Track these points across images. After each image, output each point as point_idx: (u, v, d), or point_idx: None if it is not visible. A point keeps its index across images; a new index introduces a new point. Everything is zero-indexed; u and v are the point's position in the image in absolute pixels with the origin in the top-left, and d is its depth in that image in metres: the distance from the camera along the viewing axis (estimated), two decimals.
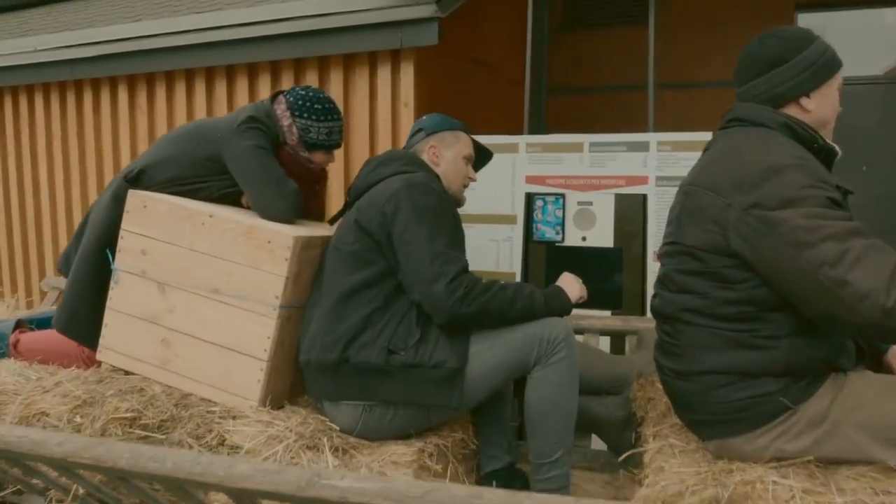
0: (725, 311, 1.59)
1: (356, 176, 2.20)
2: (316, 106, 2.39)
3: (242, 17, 3.48)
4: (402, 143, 3.34)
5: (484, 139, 3.36)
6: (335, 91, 3.53)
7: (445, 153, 2.16)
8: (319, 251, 2.16)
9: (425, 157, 2.15)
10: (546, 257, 3.22)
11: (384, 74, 3.34)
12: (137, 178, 2.37)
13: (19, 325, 2.53)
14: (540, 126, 3.62)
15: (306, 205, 2.40)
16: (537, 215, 3.21)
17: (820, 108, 1.71)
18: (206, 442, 2.03)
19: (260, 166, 2.26)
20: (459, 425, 2.22)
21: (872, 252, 1.41)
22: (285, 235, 2.08)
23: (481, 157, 2.34)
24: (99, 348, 2.31)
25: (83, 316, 2.33)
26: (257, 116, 2.35)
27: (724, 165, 1.59)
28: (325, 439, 1.91)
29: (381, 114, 3.40)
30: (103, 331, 2.29)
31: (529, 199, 3.23)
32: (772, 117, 1.69)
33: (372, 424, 1.91)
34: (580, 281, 2.08)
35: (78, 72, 4.11)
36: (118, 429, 2.02)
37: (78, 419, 2.06)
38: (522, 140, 3.28)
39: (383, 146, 3.42)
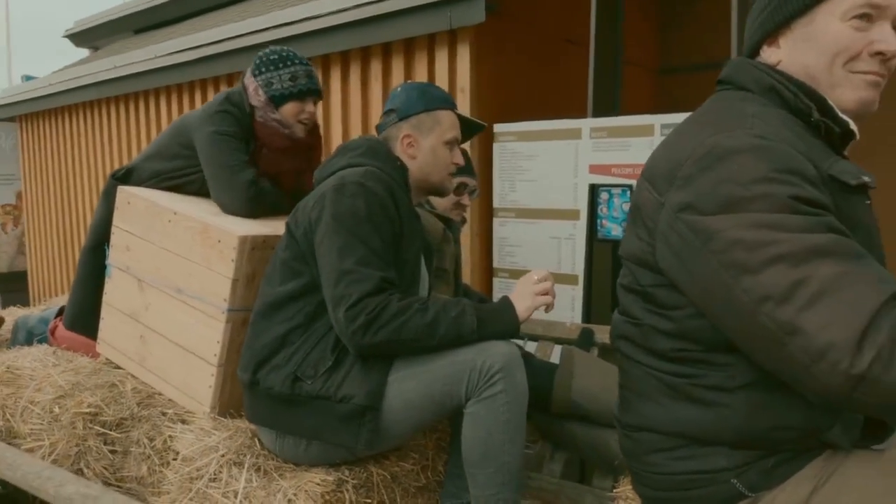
0: (661, 346, 1.31)
1: None
2: (272, 56, 2.30)
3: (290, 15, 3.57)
4: None
5: (541, 123, 3.17)
6: (397, 80, 3.50)
7: (423, 143, 1.95)
8: None
9: (399, 149, 1.95)
10: (612, 258, 3.05)
11: (441, 59, 3.28)
12: (126, 176, 2.43)
13: (61, 312, 2.69)
14: (614, 106, 3.20)
15: (304, 181, 2.32)
16: (602, 210, 3.03)
17: (797, 55, 1.28)
18: (155, 445, 2.01)
19: (215, 155, 2.22)
20: (418, 451, 2.00)
21: (845, 285, 1.05)
22: (232, 234, 2.02)
23: (470, 129, 2.12)
24: (98, 340, 2.37)
25: (87, 310, 2.44)
26: (230, 98, 2.31)
27: (670, 147, 1.31)
28: (248, 457, 1.77)
29: None
30: (101, 324, 2.37)
31: (593, 191, 3.05)
32: (757, 77, 1.31)
33: (288, 452, 1.81)
34: (548, 281, 1.77)
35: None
36: (80, 423, 2.06)
37: (56, 409, 2.13)
38: (586, 124, 3.06)
39: None
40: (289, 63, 2.31)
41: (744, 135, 1.18)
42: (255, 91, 2.32)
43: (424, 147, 1.96)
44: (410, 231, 1.83)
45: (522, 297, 1.75)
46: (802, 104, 1.26)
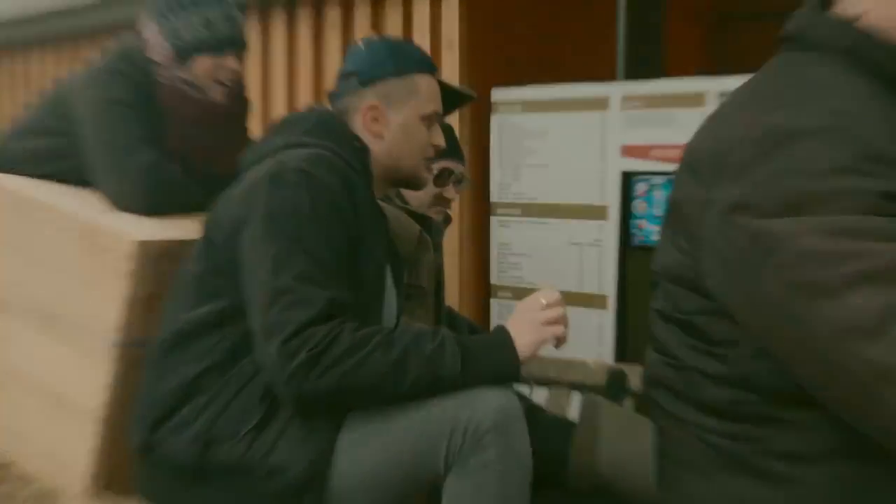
0: (710, 397, 1.35)
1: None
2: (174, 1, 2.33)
3: None
4: None
5: (555, 88, 3.19)
6: (361, 33, 3.50)
7: (393, 118, 1.98)
8: None
9: (359, 125, 1.97)
10: (652, 273, 2.92)
11: (421, 4, 3.32)
12: None
13: None
14: (655, 66, 3.31)
15: (224, 164, 2.35)
16: (639, 207, 3.04)
17: (890, 4, 1.30)
18: None
19: (102, 129, 2.24)
20: None
21: None
22: (125, 239, 2.03)
23: (455, 100, 2.18)
24: None
25: None
26: (124, 53, 2.33)
27: (718, 125, 1.37)
28: None
29: None
30: None
31: (627, 181, 3.05)
32: (833, 33, 1.34)
33: None
34: (560, 305, 1.79)
35: None
36: None
37: None
38: (615, 90, 3.08)
39: None
40: (201, 4, 2.32)
41: (815, 111, 1.22)
42: (156, 43, 2.33)
43: (394, 123, 1.98)
44: (372, 236, 1.85)
45: (525, 327, 1.75)
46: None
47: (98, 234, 2.06)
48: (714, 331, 1.30)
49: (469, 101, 2.16)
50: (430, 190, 2.47)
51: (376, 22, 3.49)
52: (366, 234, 1.82)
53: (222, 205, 1.86)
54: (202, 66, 2.33)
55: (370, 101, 1.95)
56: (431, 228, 2.51)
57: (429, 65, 2.05)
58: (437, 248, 2.58)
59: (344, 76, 2.02)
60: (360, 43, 2.06)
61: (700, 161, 1.32)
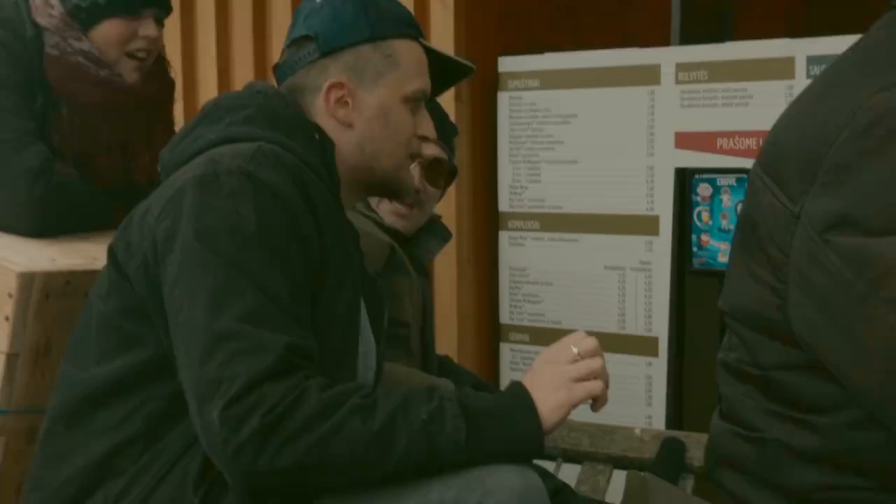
0: (799, 480, 1.40)
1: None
2: None
3: None
4: None
5: (586, 55, 3.21)
6: None
7: (366, 99, 1.99)
8: None
9: (319, 110, 1.98)
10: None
11: None
12: None
13: None
14: (722, 26, 3.25)
15: (139, 166, 2.38)
16: (702, 216, 3.06)
17: None
18: None
19: None
20: None
21: None
22: (7, 269, 2.05)
23: (447, 74, 2.17)
24: None
25: None
26: None
27: (808, 112, 1.47)
28: None
29: None
30: None
31: (684, 181, 3.09)
32: None
33: None
34: (597, 356, 1.78)
35: None
36: None
37: None
38: (667, 57, 3.14)
39: None
40: None
41: None
42: (43, 1, 2.34)
43: (368, 106, 1.99)
44: (341, 259, 1.85)
45: (550, 383, 1.76)
46: None
47: None
48: (803, 391, 1.37)
49: (467, 75, 2.19)
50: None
51: None
52: (332, 258, 1.82)
53: (136, 222, 1.86)
54: (109, 32, 2.35)
55: (335, 77, 1.96)
56: (417, 244, 2.53)
57: (413, 26, 2.06)
58: (423, 270, 2.60)
59: (295, 42, 2.01)
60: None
61: (784, 161, 1.39)
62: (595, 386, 1.75)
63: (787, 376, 1.39)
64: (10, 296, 2.03)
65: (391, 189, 2.07)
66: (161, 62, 2.48)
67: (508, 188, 3.32)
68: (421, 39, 2.05)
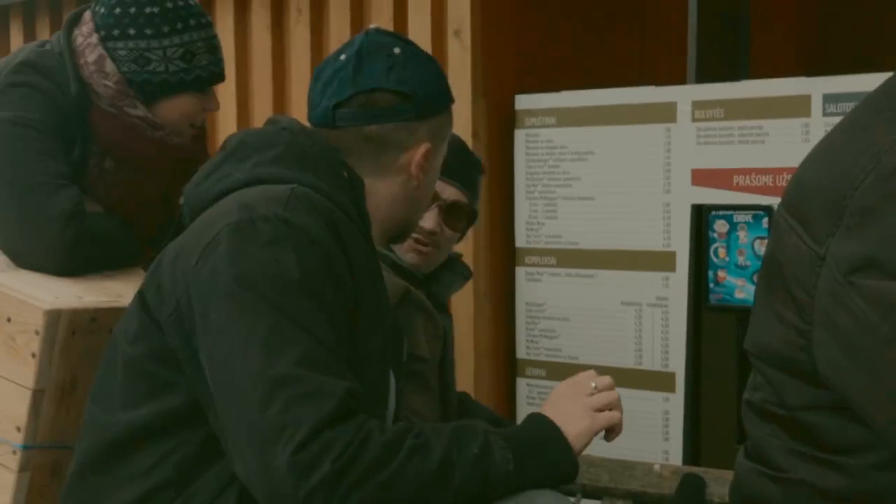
0: None
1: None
2: (148, 9, 2.35)
3: None
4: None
5: (603, 93, 3.23)
6: (339, 19, 3.55)
7: (434, 163, 2.06)
8: None
9: (398, 167, 2.01)
10: (738, 343, 2.90)
11: None
12: None
13: None
14: (738, 64, 3.25)
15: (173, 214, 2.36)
16: (719, 253, 3.06)
17: None
18: None
19: (4, 160, 2.28)
20: None
21: None
22: (33, 306, 2.05)
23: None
24: None
25: None
26: (38, 59, 2.36)
27: (833, 153, 1.47)
28: None
29: None
30: None
31: (701, 218, 3.09)
32: None
33: None
34: (612, 390, 1.88)
35: None
36: None
37: None
38: (684, 95, 3.15)
39: None
40: (179, 25, 2.36)
41: None
42: (97, 64, 2.36)
43: (433, 168, 2.06)
44: (374, 300, 1.86)
45: (571, 412, 1.82)
46: None
47: None
48: (829, 432, 1.36)
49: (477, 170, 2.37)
50: (431, 217, 2.47)
51: (358, 9, 3.54)
52: (365, 298, 1.83)
53: (167, 263, 1.85)
54: (178, 108, 2.40)
55: (424, 140, 1.99)
56: (437, 281, 2.54)
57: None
58: (443, 308, 2.60)
59: (376, 91, 1.97)
60: (393, 46, 2.00)
61: (809, 203, 1.38)
62: (614, 416, 1.85)
63: (813, 417, 1.38)
64: (36, 333, 2.03)
65: (402, 237, 2.14)
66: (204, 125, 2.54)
67: (525, 224, 3.32)
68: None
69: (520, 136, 3.32)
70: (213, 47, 2.44)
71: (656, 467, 2.63)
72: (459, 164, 2.56)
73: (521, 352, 3.35)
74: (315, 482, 1.59)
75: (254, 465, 1.66)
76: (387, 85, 1.97)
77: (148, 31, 2.34)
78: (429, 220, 2.49)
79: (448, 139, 2.10)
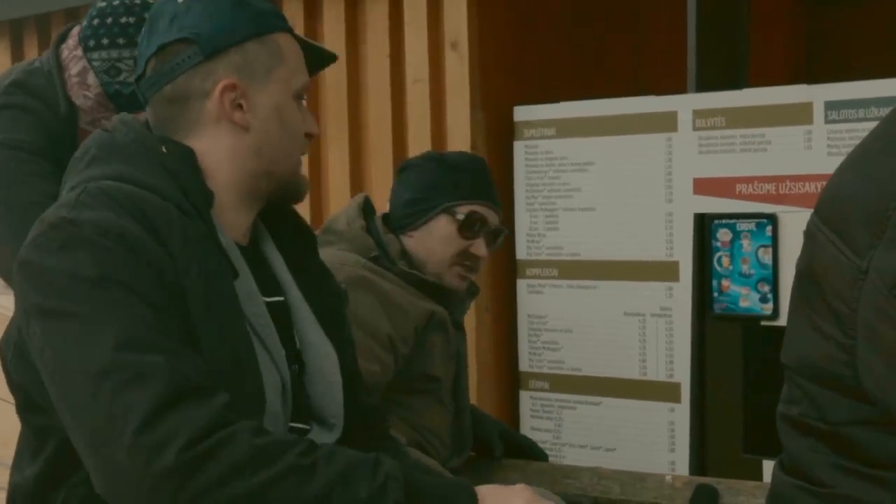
0: None
1: None
2: (123, 19, 2.33)
3: None
4: (449, 112, 3.42)
5: (603, 104, 3.21)
6: (334, 30, 3.55)
7: (259, 99, 1.87)
8: None
9: (210, 116, 1.87)
10: (744, 352, 3.06)
11: None
12: None
13: None
14: (738, 72, 3.34)
15: None
16: (722, 261, 3.07)
17: None
18: None
19: None
20: None
21: None
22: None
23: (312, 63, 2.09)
24: None
25: None
26: (23, 81, 2.37)
27: (871, 163, 1.44)
28: None
29: (413, 63, 3.45)
30: None
31: (704, 227, 3.10)
32: None
33: None
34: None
35: None
36: None
37: None
38: (685, 104, 3.14)
39: (416, 120, 3.48)
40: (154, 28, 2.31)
41: None
42: (80, 77, 2.35)
43: (263, 106, 1.88)
44: (201, 277, 1.74)
45: (502, 497, 1.71)
46: None
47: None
48: (875, 447, 1.35)
49: (330, 62, 2.11)
50: (454, 244, 2.50)
51: (351, 10, 3.54)
52: (188, 278, 1.72)
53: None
54: None
55: (225, 77, 1.84)
56: (451, 301, 2.52)
57: (283, 18, 1.97)
58: (459, 326, 2.59)
59: (165, 49, 1.86)
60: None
61: (848, 214, 1.36)
62: None
63: (857, 431, 1.37)
64: None
65: (289, 193, 1.95)
66: None
67: (526, 236, 3.30)
68: (293, 32, 1.98)
69: (519, 147, 3.32)
70: None
71: (668, 478, 2.62)
72: (487, 184, 2.63)
73: (524, 364, 3.34)
74: (159, 470, 1.52)
75: (95, 465, 1.60)
76: (169, 37, 1.85)
77: (120, 41, 2.32)
78: (481, 248, 2.56)
79: (280, 69, 1.91)
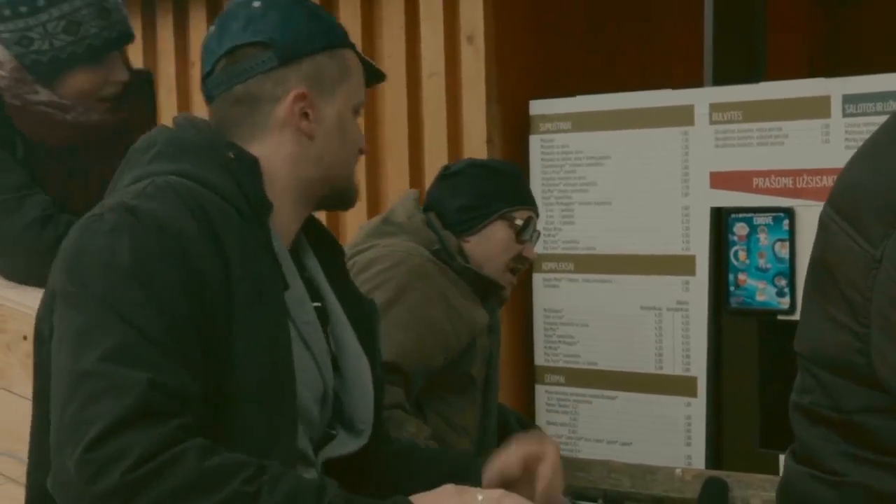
0: None
1: None
2: None
3: None
4: (465, 106, 3.41)
5: (619, 97, 3.21)
6: (350, 25, 3.49)
7: (325, 110, 1.91)
8: None
9: (278, 122, 1.90)
10: (760, 346, 3.05)
11: None
12: None
13: None
14: (755, 66, 3.33)
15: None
16: (738, 255, 3.07)
17: None
18: None
19: None
20: None
21: None
22: (25, 313, 2.05)
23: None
24: None
25: None
26: None
27: (883, 155, 1.46)
28: None
29: (428, 57, 3.45)
30: None
31: (720, 221, 3.10)
32: None
33: None
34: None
35: None
36: None
37: None
38: (701, 98, 3.14)
39: (431, 114, 3.48)
40: None
41: None
42: None
43: (328, 117, 1.91)
44: (255, 284, 1.75)
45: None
46: None
47: (3, 317, 2.11)
48: (889, 435, 1.35)
49: (379, 80, 2.14)
50: (511, 248, 2.58)
51: (367, 5, 3.55)
52: (241, 286, 1.72)
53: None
54: (78, 83, 2.31)
55: (297, 86, 1.87)
56: (490, 303, 2.59)
57: (348, 35, 2.01)
58: (494, 329, 2.63)
59: (239, 50, 1.88)
60: (253, 2, 1.92)
61: (861, 205, 1.36)
62: None
63: (870, 419, 1.38)
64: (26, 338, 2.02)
65: (342, 200, 1.99)
66: (131, 86, 2.44)
67: (543, 230, 3.26)
68: (356, 49, 2.01)
69: (535, 141, 3.31)
70: (104, 10, 2.33)
71: (678, 472, 2.65)
72: (526, 189, 2.73)
73: (540, 358, 3.34)
74: (101, 491, 1.50)
75: (53, 464, 1.59)
76: (244, 40, 1.88)
77: (22, 10, 2.26)
78: (532, 251, 2.70)
79: (346, 83, 1.96)
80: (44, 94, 2.29)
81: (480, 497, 1.70)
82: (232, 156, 1.82)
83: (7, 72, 2.28)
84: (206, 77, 1.92)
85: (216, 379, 1.67)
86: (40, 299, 1.93)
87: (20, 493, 2.04)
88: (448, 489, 1.71)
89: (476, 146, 3.28)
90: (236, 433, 1.67)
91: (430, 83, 3.43)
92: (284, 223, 1.87)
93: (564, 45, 3.49)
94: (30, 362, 1.99)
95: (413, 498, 1.68)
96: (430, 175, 3.16)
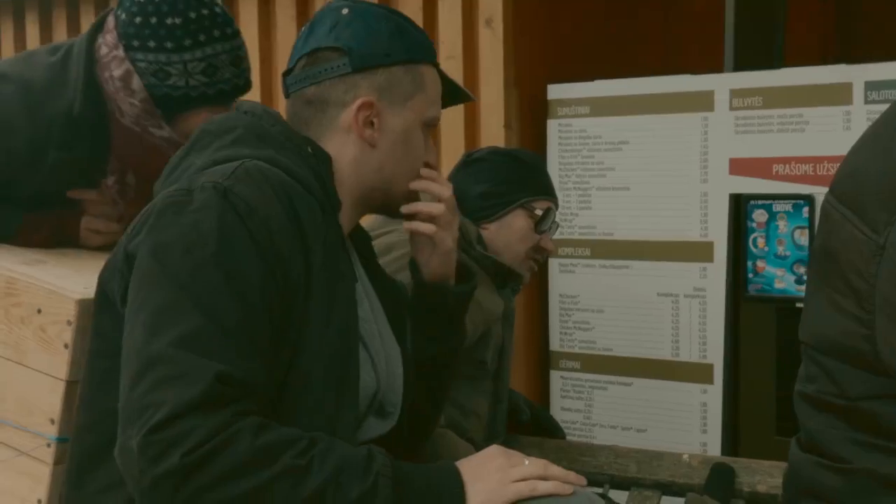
0: None
1: None
2: (169, 20, 2.27)
3: None
4: (482, 90, 3.42)
5: (638, 82, 3.21)
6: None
7: (391, 121, 1.95)
8: None
9: (342, 126, 1.94)
10: (777, 334, 3.04)
11: None
12: None
13: None
14: (774, 51, 3.35)
15: None
16: (757, 242, 3.07)
17: None
18: None
19: None
20: None
21: None
22: (65, 296, 2.03)
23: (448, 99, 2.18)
24: None
25: None
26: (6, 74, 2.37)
27: (885, 141, 1.49)
28: None
29: (446, 41, 3.45)
30: None
31: (739, 207, 3.10)
32: None
33: None
34: (530, 467, 1.77)
35: None
36: None
37: None
38: (721, 83, 3.13)
39: None
40: (201, 33, 2.29)
41: None
42: (123, 80, 2.30)
43: (393, 128, 1.94)
44: (331, 276, 1.79)
45: (487, 476, 1.72)
46: None
47: (22, 289, 2.07)
48: (894, 420, 1.38)
49: (465, 100, 2.18)
50: (529, 238, 2.58)
51: None
52: (319, 276, 1.76)
53: (118, 246, 1.84)
54: (193, 124, 2.29)
55: (365, 94, 1.91)
56: (506, 291, 2.59)
57: (434, 52, 2.05)
58: (508, 317, 2.62)
59: (319, 52, 1.93)
60: (342, 7, 1.97)
61: (864, 192, 1.39)
62: (529, 487, 1.72)
63: (876, 405, 1.40)
64: (68, 323, 1.99)
65: (395, 210, 2.02)
66: None
67: (559, 216, 3.27)
68: (439, 67, 2.04)
69: (552, 126, 3.31)
70: (238, 59, 2.38)
71: (685, 457, 2.63)
72: (547, 180, 2.72)
73: (555, 344, 3.34)
74: (162, 471, 1.54)
75: (119, 442, 1.62)
76: (325, 44, 1.93)
77: (168, 45, 2.28)
78: (550, 243, 2.69)
79: (419, 96, 1.98)
80: (165, 131, 2.32)
81: (527, 462, 1.76)
82: (310, 150, 1.87)
83: (139, 101, 2.29)
84: (286, 74, 1.97)
85: (284, 366, 1.70)
86: (67, 270, 2.06)
87: (34, 467, 2.05)
88: (494, 450, 1.76)
89: (494, 131, 3.28)
90: (296, 422, 1.69)
91: (448, 67, 3.34)
92: (343, 223, 1.90)
93: (583, 29, 3.49)
94: (44, 336, 2.04)
95: (459, 462, 1.73)
96: (447, 159, 3.18)
